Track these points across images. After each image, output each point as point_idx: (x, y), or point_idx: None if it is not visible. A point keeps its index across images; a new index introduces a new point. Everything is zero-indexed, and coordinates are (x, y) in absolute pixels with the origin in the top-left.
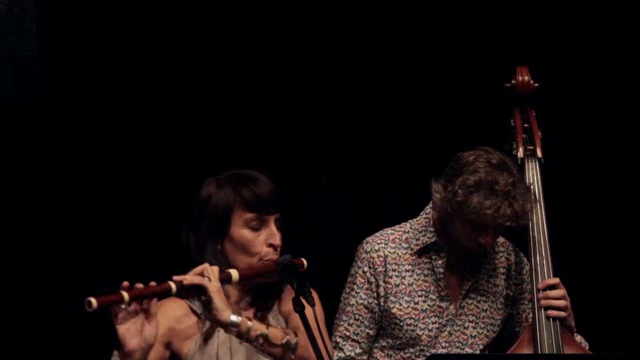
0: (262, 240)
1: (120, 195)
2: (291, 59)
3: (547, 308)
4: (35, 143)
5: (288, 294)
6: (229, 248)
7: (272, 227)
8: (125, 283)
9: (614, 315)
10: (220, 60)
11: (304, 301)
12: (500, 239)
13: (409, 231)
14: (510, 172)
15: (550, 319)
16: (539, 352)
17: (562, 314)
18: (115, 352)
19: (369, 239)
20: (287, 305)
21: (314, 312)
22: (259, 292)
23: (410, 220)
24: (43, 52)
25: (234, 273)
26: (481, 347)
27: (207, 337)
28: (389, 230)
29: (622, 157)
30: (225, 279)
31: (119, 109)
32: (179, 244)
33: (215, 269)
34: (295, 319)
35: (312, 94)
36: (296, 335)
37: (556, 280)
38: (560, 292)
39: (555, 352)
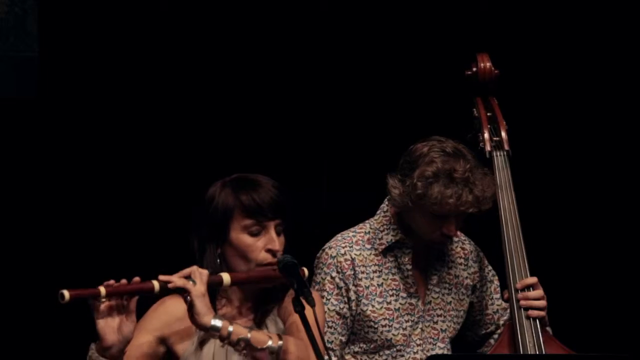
0: (261, 246)
1: (120, 195)
2: (291, 59)
3: (527, 308)
4: (35, 143)
5: (288, 297)
6: (229, 252)
7: (272, 232)
8: (111, 281)
9: (593, 312)
10: (220, 59)
11: (304, 301)
12: None
13: (369, 231)
14: (465, 158)
15: (531, 319)
16: (521, 352)
17: (542, 313)
18: (93, 345)
19: (331, 243)
20: (286, 307)
21: (314, 312)
22: (261, 297)
23: (368, 220)
24: (44, 52)
25: (225, 277)
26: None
27: (202, 342)
28: (349, 233)
29: (593, 145)
30: (215, 282)
31: (120, 109)
32: (184, 244)
33: (205, 272)
34: (291, 322)
35: (312, 94)
36: (280, 339)
37: (534, 279)
38: (540, 292)
39: (537, 352)
